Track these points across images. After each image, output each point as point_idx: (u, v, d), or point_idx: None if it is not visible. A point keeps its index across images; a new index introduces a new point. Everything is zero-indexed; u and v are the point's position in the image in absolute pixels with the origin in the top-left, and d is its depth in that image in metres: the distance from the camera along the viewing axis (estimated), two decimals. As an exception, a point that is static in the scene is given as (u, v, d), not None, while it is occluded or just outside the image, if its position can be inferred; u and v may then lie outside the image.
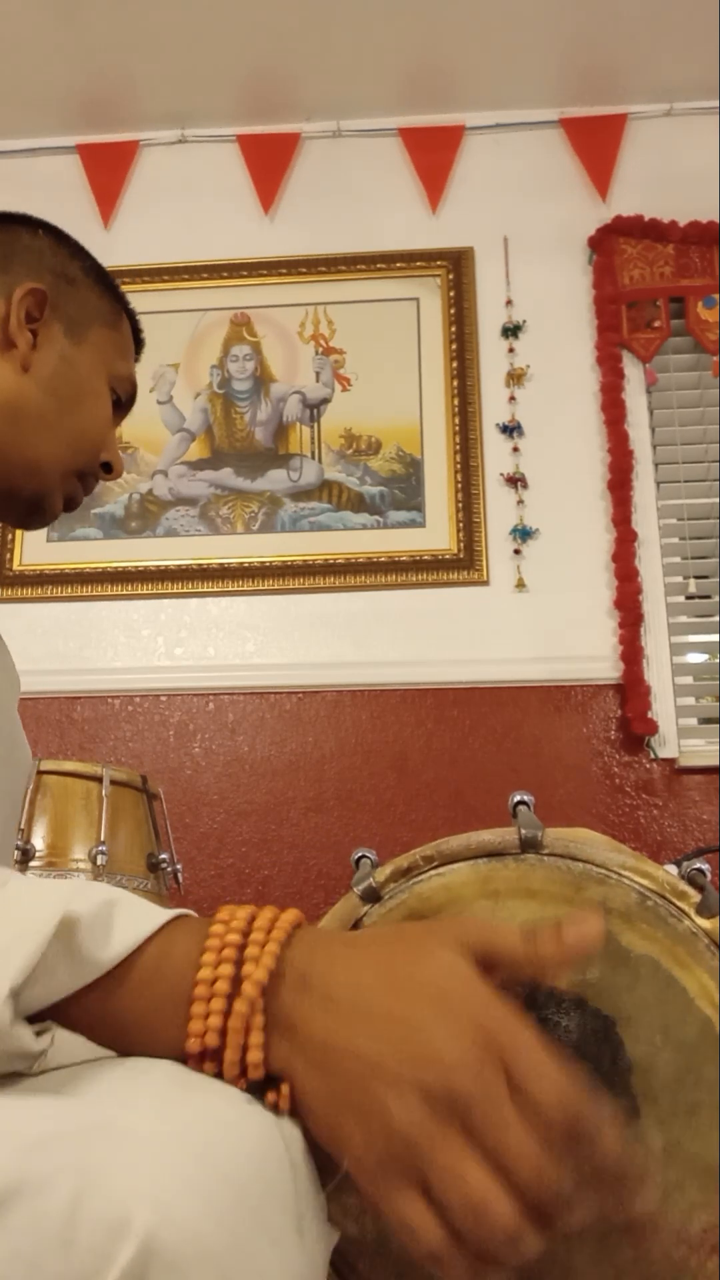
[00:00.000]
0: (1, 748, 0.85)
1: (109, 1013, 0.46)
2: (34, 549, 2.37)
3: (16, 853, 1.44)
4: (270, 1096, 0.44)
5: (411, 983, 0.45)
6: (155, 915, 0.47)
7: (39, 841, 1.49)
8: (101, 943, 0.45)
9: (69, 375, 0.82)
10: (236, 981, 0.45)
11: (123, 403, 0.90)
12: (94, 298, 0.87)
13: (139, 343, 0.94)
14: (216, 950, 0.46)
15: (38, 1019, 0.45)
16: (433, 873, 0.55)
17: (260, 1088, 0.45)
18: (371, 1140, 0.42)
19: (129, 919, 0.46)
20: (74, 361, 0.83)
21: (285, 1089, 0.44)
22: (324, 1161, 0.44)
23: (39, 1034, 0.44)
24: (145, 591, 2.31)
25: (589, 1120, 0.43)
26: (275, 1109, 0.44)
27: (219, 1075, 0.44)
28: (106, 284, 0.89)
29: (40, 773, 1.53)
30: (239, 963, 0.45)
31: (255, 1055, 0.44)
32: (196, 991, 0.45)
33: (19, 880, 0.48)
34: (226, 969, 0.45)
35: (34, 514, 0.84)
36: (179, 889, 1.67)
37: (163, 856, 1.59)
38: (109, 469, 0.88)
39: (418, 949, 0.47)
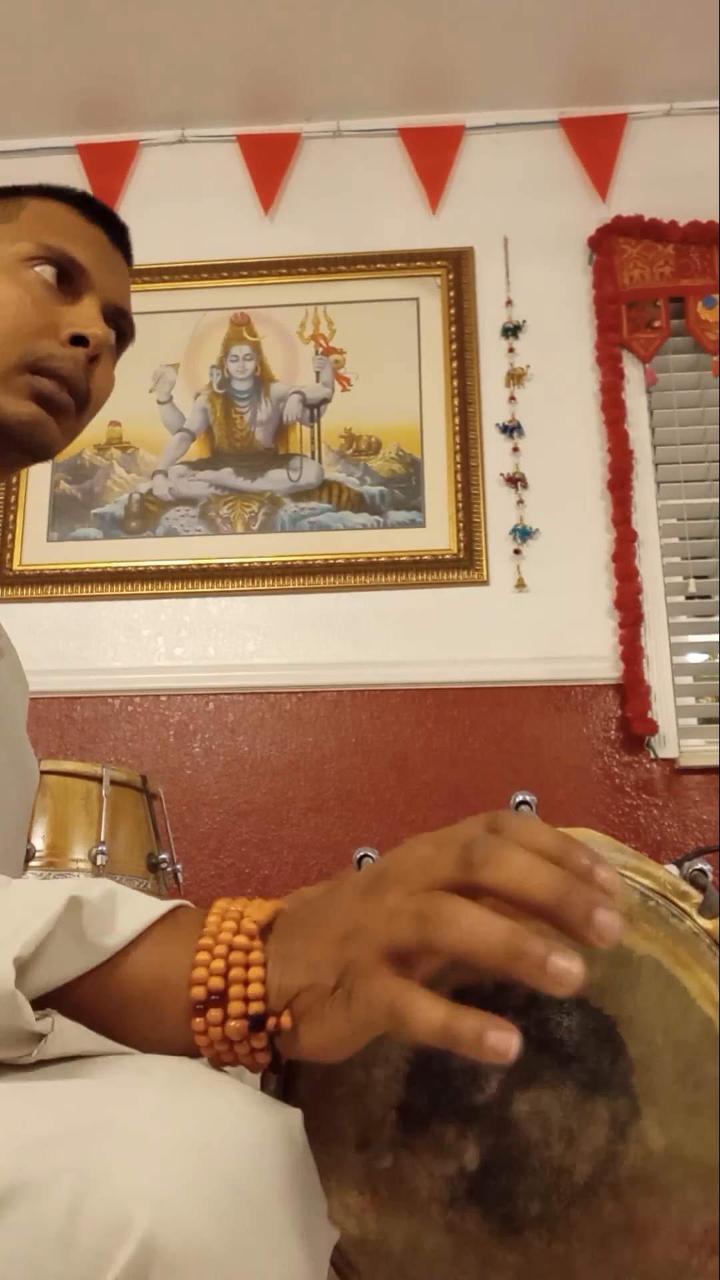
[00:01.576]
0: (12, 753, 0.85)
1: (114, 996, 0.47)
2: (34, 549, 2.37)
3: (16, 853, 1.44)
4: (272, 1021, 0.45)
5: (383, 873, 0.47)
6: (158, 904, 0.49)
7: (39, 841, 1.49)
8: (107, 927, 0.46)
9: None
10: (237, 934, 0.47)
11: (64, 270, 0.79)
12: None
13: (80, 202, 0.83)
14: (221, 913, 0.48)
15: (42, 1005, 0.45)
16: (433, 873, 0.55)
17: (261, 1023, 0.45)
18: (372, 936, 0.43)
19: (132, 907, 0.48)
20: None
21: (286, 1012, 0.45)
22: (325, 1161, 0.45)
23: (40, 1019, 0.44)
24: (145, 591, 2.31)
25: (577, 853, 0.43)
26: (277, 1029, 0.45)
27: (224, 1022, 0.45)
28: None
29: (40, 773, 1.53)
30: (240, 919, 0.47)
31: (256, 988, 0.45)
32: (202, 943, 0.46)
33: (21, 880, 0.49)
34: (230, 924, 0.47)
35: (7, 438, 0.77)
36: (179, 889, 1.67)
37: (163, 856, 1.59)
38: (83, 342, 0.78)
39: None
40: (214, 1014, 0.45)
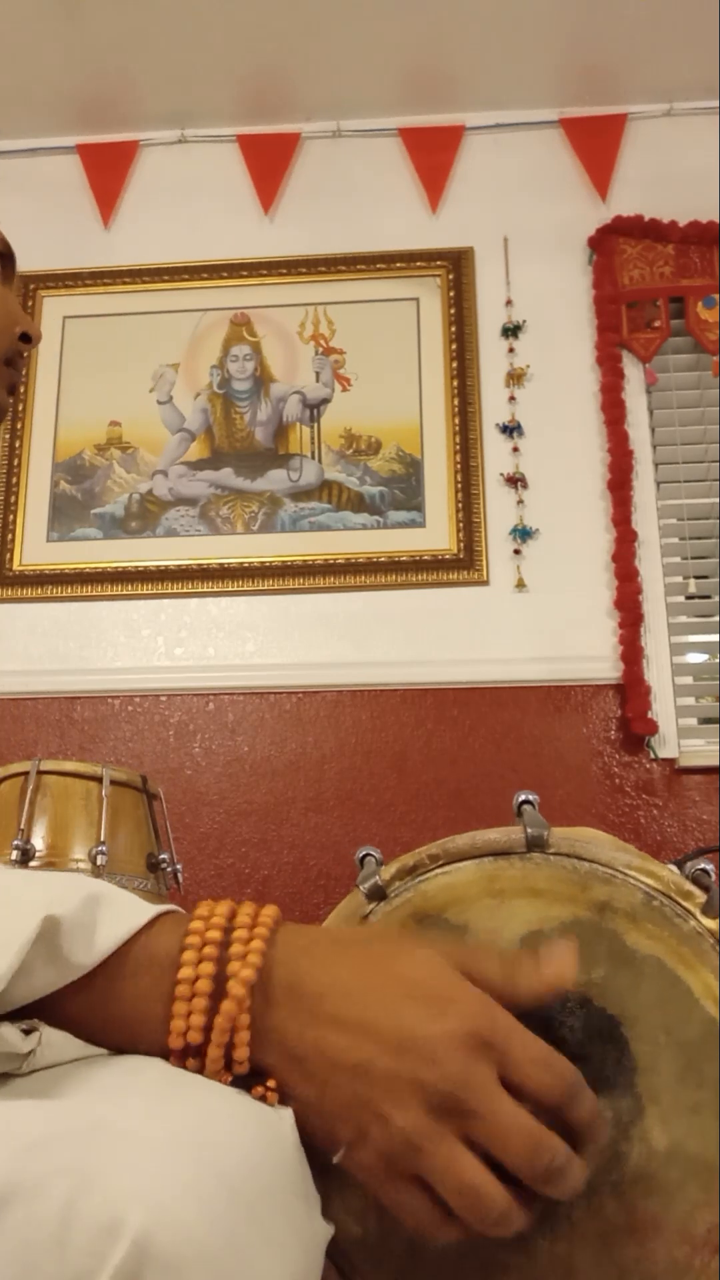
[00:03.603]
0: None
1: (94, 1009, 0.46)
2: (34, 549, 2.37)
3: (16, 853, 1.44)
4: (258, 1090, 0.44)
5: (395, 981, 0.45)
6: (137, 913, 0.47)
7: (39, 841, 1.48)
8: (84, 944, 0.45)
9: None
10: (218, 980, 0.45)
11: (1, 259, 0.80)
12: None
13: None
14: (197, 948, 0.46)
15: (24, 1016, 0.45)
16: (438, 871, 0.55)
17: (244, 1082, 0.45)
18: (369, 1143, 0.43)
19: (111, 917, 0.46)
20: None
21: (272, 1083, 0.44)
22: (319, 1158, 0.45)
23: (27, 1033, 0.44)
24: (145, 591, 2.31)
25: (579, 1097, 0.45)
26: (263, 1101, 0.44)
27: (201, 1071, 0.45)
28: None
29: (40, 773, 1.52)
30: (220, 960, 0.46)
31: (241, 1052, 0.44)
32: (178, 990, 0.45)
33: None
34: (207, 967, 0.45)
35: None
36: (179, 889, 1.67)
37: (163, 856, 1.59)
38: (28, 339, 0.78)
39: (397, 947, 0.48)
40: (191, 1062, 0.45)
